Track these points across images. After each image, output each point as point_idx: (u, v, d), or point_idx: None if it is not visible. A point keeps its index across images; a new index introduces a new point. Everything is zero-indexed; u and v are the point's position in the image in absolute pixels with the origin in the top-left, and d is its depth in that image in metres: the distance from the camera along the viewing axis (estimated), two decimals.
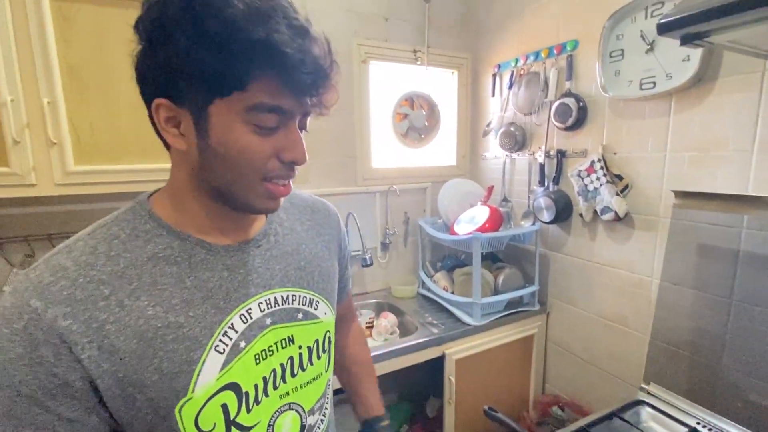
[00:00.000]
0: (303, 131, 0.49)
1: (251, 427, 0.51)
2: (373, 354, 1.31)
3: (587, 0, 1.40)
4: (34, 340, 0.39)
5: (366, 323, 1.62)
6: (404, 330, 1.60)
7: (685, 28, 0.71)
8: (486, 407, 1.05)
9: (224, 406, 0.48)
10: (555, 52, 1.54)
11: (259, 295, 0.52)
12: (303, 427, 0.57)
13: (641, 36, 1.22)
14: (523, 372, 1.67)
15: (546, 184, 1.61)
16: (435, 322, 1.53)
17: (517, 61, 1.71)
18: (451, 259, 1.89)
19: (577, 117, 1.45)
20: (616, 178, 1.36)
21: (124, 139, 0.98)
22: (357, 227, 1.66)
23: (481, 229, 1.54)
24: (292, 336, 0.55)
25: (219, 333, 0.48)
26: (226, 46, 0.40)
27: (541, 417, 1.59)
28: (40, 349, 0.39)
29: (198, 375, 0.46)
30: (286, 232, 0.59)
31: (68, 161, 0.95)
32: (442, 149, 2.01)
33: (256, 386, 0.51)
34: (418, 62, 1.83)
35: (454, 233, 1.65)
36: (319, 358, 0.59)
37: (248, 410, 0.50)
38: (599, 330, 1.48)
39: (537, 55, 1.61)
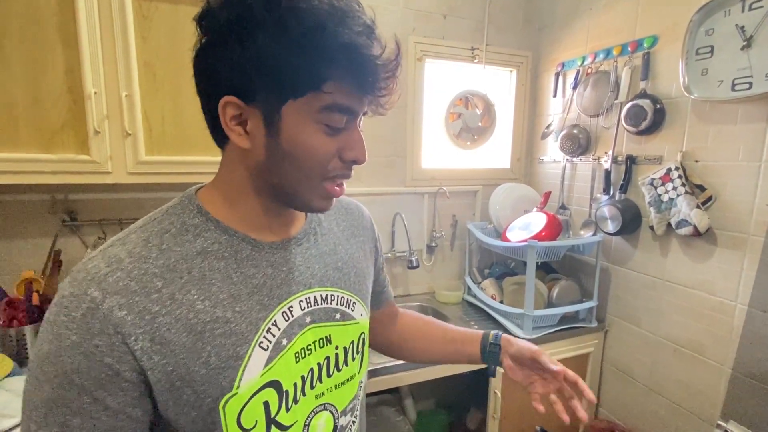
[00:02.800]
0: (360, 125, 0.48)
1: (289, 427, 0.50)
2: None
3: None
4: (91, 329, 0.39)
5: None
6: None
7: None
8: (538, 428, 0.98)
9: (266, 404, 0.47)
10: (629, 49, 1.41)
11: (300, 293, 0.51)
12: (336, 427, 0.55)
13: (738, 30, 1.09)
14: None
15: (611, 192, 1.49)
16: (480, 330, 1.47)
17: (584, 59, 1.60)
18: (500, 266, 1.81)
19: (652, 120, 1.32)
20: (696, 189, 1.23)
21: (190, 133, 1.02)
22: (404, 228, 1.63)
23: (537, 237, 1.45)
24: (329, 336, 0.54)
25: (263, 329, 0.47)
26: (308, 48, 0.40)
27: None
28: (95, 338, 0.39)
29: (243, 371, 0.45)
30: (324, 232, 0.58)
31: (140, 151, 1.01)
32: (495, 151, 1.93)
33: (295, 385, 0.50)
34: (476, 60, 1.76)
35: (506, 239, 1.57)
36: (353, 359, 0.58)
37: (287, 409, 0.49)
38: (667, 355, 1.35)
39: (608, 52, 1.50)
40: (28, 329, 1.16)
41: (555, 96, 1.75)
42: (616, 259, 1.52)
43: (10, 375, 1.08)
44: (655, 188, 1.30)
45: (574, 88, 1.63)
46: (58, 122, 0.95)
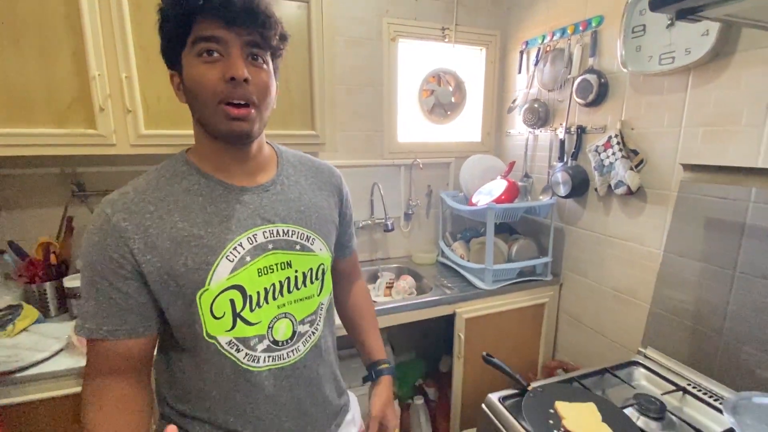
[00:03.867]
0: (258, 61, 0.61)
1: (254, 324, 0.67)
2: (389, 306, 1.48)
3: None
4: (105, 233, 0.59)
5: (386, 284, 1.77)
6: (421, 292, 1.74)
7: (676, 4, 0.76)
8: (484, 353, 1.17)
9: (232, 301, 0.65)
10: (581, 28, 1.55)
11: (264, 226, 0.68)
12: (294, 332, 0.72)
13: None
14: (533, 338, 1.76)
15: (565, 160, 1.66)
16: (450, 285, 1.66)
17: (544, 37, 1.73)
18: (470, 231, 1.99)
19: (597, 93, 1.47)
20: (631, 153, 1.39)
21: (185, 110, 1.15)
22: (381, 197, 1.80)
23: (497, 201, 1.62)
24: (290, 261, 0.70)
25: (230, 247, 0.64)
26: (172, 13, 0.58)
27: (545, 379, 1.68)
28: (107, 239, 0.59)
29: (213, 273, 0.63)
30: (291, 183, 0.74)
31: (140, 126, 1.16)
32: (467, 126, 2.08)
33: (258, 293, 0.67)
34: (446, 40, 1.89)
35: (472, 205, 1.74)
36: (312, 282, 0.74)
37: (251, 309, 0.67)
38: (609, 301, 1.54)
39: (563, 31, 1.64)
40: (48, 285, 1.33)
41: (520, 72, 1.90)
42: (569, 220, 1.70)
43: (36, 322, 1.26)
44: (599, 154, 1.47)
45: (536, 64, 1.78)
46: (67, 101, 1.09)
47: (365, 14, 1.74)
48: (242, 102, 0.60)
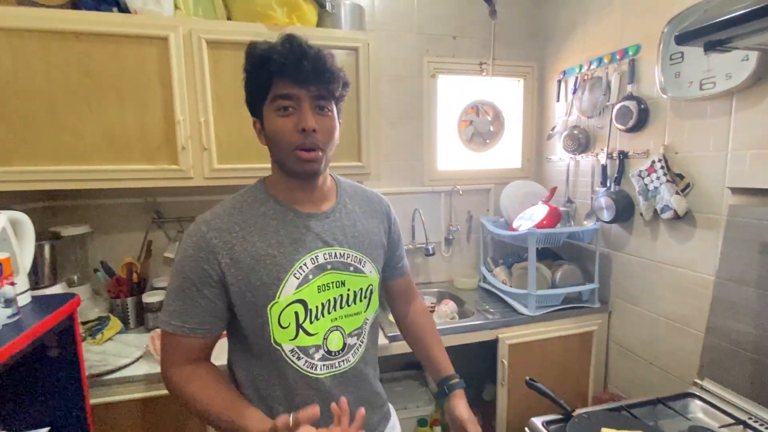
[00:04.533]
0: (324, 111, 0.72)
1: (313, 335, 0.76)
2: None
3: (649, 6, 1.45)
4: (199, 247, 0.71)
5: (428, 308, 1.81)
6: (463, 316, 1.76)
7: (702, 38, 0.81)
8: (528, 378, 1.17)
9: (296, 313, 0.75)
10: (617, 56, 1.59)
11: (324, 248, 0.78)
12: (345, 344, 0.81)
13: None
14: (581, 368, 1.71)
15: (608, 185, 1.65)
16: (492, 310, 1.67)
17: (581, 67, 1.78)
18: (512, 256, 2.00)
19: (638, 119, 1.49)
20: (676, 177, 1.38)
21: (249, 146, 1.36)
22: (422, 222, 1.88)
23: (539, 226, 1.64)
24: (344, 281, 0.80)
25: (297, 266, 0.75)
26: (255, 74, 0.71)
27: None
28: (200, 252, 0.71)
29: (282, 288, 0.73)
30: (347, 211, 0.85)
31: (214, 161, 1.35)
32: (507, 153, 2.13)
33: (317, 307, 0.77)
34: (484, 73, 1.99)
35: (513, 230, 1.77)
36: (361, 300, 0.83)
37: (311, 321, 0.76)
38: (661, 330, 1.48)
39: (600, 60, 1.68)
40: (129, 300, 1.53)
41: (558, 101, 1.94)
42: (615, 245, 1.67)
43: (119, 332, 1.45)
44: (643, 179, 1.47)
45: (574, 93, 1.82)
46: (156, 142, 1.30)
47: (407, 55, 1.89)
48: (312, 148, 0.71)
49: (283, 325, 0.74)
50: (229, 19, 1.41)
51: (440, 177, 2.00)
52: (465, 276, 1.99)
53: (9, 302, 0.80)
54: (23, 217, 1.03)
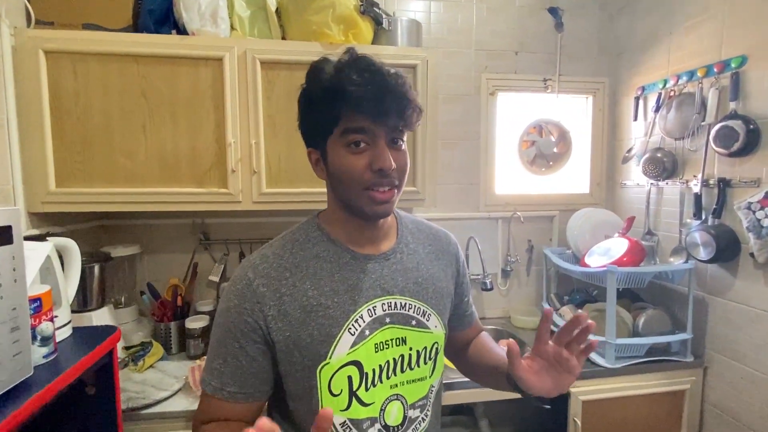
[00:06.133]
0: (398, 144, 0.61)
1: (368, 405, 0.63)
2: None
3: (757, 13, 1.24)
4: (244, 297, 0.61)
5: None
6: None
7: None
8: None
9: (350, 378, 0.62)
10: (715, 70, 1.38)
11: (383, 297, 0.65)
12: (405, 417, 0.66)
13: None
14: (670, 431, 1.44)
15: (704, 218, 1.41)
16: None
17: (665, 82, 1.57)
18: (580, 293, 1.77)
19: (745, 141, 1.26)
20: None
21: (300, 170, 1.28)
22: (478, 251, 1.71)
23: (618, 263, 1.43)
24: (405, 337, 0.66)
25: (352, 319, 0.62)
26: (321, 103, 0.59)
27: None
28: (245, 303, 0.60)
29: (335, 346, 0.61)
30: (410, 252, 0.71)
31: (263, 185, 1.28)
32: (573, 177, 1.93)
33: (374, 370, 0.63)
34: (548, 90, 1.82)
35: (584, 265, 1.56)
36: (425, 363, 0.68)
37: (366, 389, 0.63)
38: None
39: (692, 74, 1.46)
40: (173, 324, 1.48)
41: (636, 120, 1.73)
42: (713, 289, 1.42)
43: (161, 360, 1.39)
44: (754, 212, 1.23)
45: (656, 111, 1.60)
46: (207, 165, 1.26)
47: (465, 72, 1.77)
48: (388, 186, 0.61)
49: (335, 392, 0.61)
50: (283, 38, 1.37)
51: (498, 201, 1.83)
52: (524, 314, 1.79)
53: (46, 341, 0.74)
54: (71, 244, 0.99)
